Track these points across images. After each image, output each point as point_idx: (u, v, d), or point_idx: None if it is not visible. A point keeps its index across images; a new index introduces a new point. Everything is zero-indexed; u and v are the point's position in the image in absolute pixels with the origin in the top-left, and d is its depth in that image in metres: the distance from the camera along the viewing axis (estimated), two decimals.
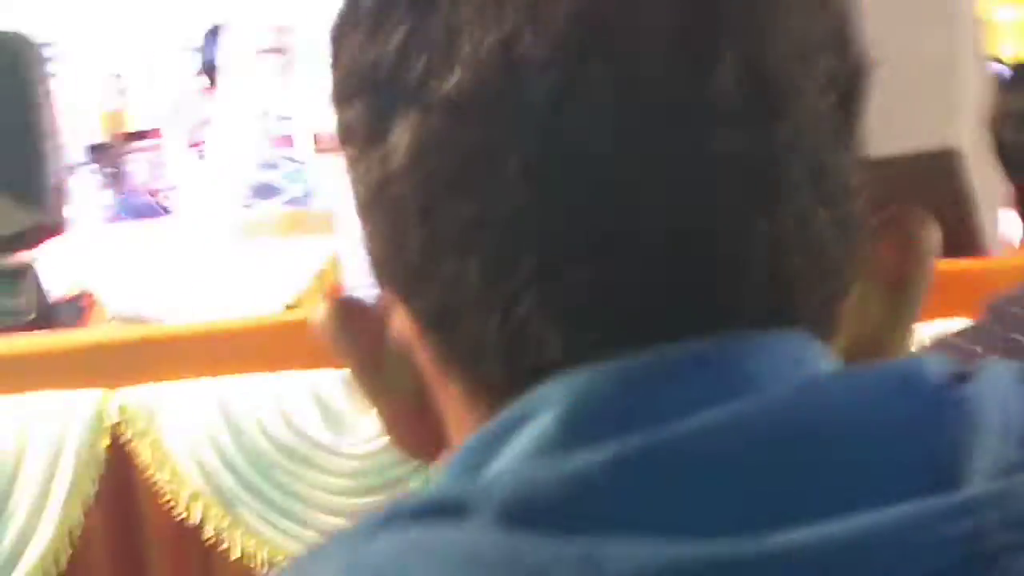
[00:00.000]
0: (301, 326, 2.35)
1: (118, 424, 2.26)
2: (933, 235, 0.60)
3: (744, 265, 0.54)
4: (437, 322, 0.56)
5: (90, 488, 2.26)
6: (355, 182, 0.57)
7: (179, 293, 3.33)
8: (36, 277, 2.40)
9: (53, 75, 2.52)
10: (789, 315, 0.55)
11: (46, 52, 2.67)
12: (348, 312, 0.60)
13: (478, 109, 0.53)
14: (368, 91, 0.56)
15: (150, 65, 5.06)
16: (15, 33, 2.39)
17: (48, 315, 2.42)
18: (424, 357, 0.57)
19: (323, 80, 0.59)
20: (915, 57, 2.11)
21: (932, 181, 1.97)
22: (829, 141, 0.55)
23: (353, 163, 0.57)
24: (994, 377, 0.54)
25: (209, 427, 2.25)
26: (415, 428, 0.60)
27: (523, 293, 0.53)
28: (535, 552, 0.48)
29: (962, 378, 0.53)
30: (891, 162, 1.65)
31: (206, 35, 5.00)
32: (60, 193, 2.48)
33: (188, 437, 2.25)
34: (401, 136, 0.54)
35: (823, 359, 0.55)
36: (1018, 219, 1.84)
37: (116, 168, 5.03)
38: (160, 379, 2.26)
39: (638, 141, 0.53)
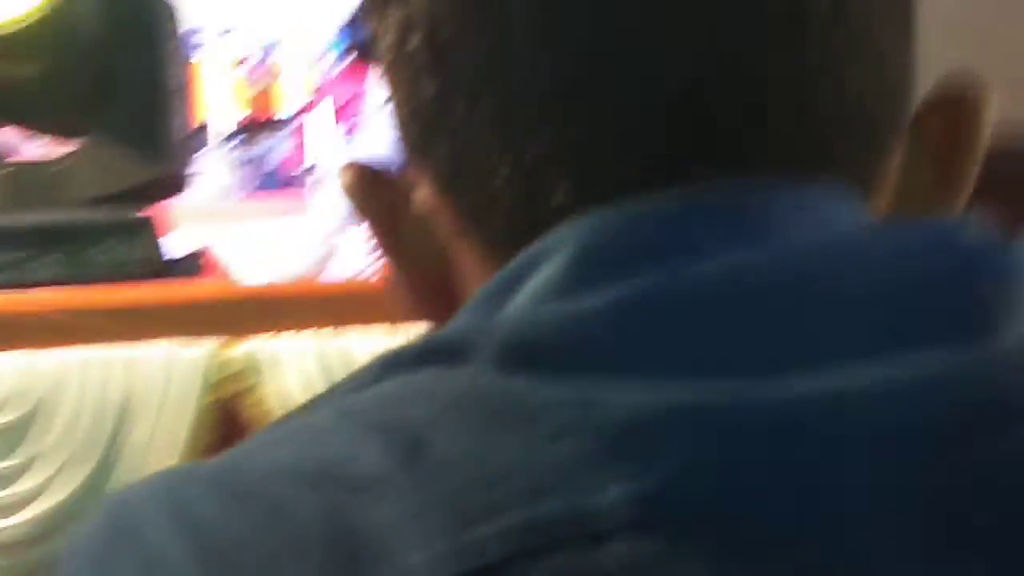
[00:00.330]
0: None
1: (225, 379, 2.25)
2: (989, 108, 0.57)
3: (766, 109, 0.51)
4: (451, 180, 0.56)
5: (193, 442, 2.25)
6: (379, 47, 0.58)
7: (303, 265, 3.34)
8: (153, 231, 2.39)
9: (193, 29, 2.51)
10: (819, 166, 0.52)
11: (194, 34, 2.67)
12: (372, 178, 0.61)
13: None
14: None
15: (299, 43, 5.10)
16: None
17: (165, 269, 2.41)
18: (443, 224, 0.58)
19: None
20: None
21: None
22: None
23: (377, 28, 0.58)
24: None
25: (307, 388, 2.23)
26: (432, 299, 0.60)
27: (531, 139, 0.52)
28: (530, 394, 0.46)
29: (1005, 249, 0.50)
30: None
31: (356, 12, 5.03)
32: (184, 150, 2.47)
33: (290, 397, 2.24)
34: None
35: (856, 212, 0.52)
36: None
37: (258, 148, 5.08)
38: (271, 336, 2.25)
39: None
